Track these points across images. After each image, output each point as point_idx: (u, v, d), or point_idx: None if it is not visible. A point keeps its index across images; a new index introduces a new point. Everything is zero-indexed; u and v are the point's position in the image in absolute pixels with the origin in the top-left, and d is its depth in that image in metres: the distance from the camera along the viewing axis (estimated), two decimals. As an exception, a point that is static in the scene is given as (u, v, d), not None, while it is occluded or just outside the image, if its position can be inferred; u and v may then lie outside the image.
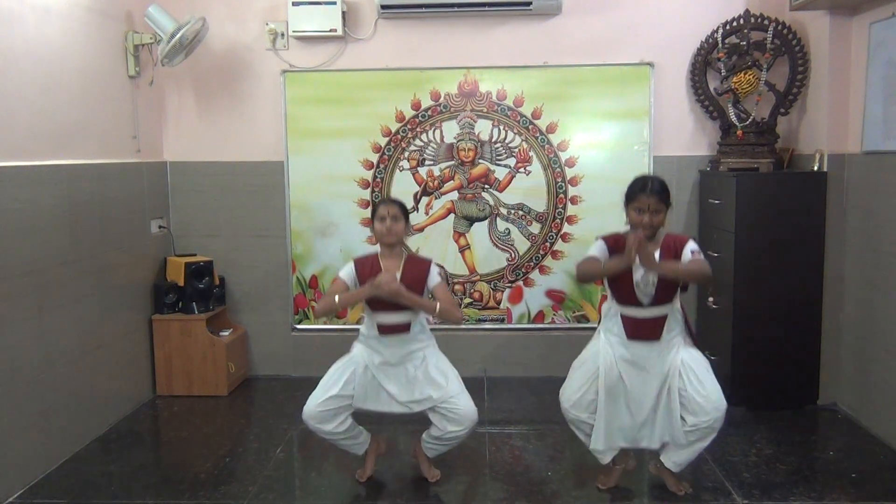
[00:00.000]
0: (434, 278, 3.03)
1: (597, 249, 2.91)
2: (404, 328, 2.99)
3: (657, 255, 2.81)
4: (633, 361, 2.90)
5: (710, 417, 2.82)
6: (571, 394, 2.98)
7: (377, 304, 2.95)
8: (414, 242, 4.45)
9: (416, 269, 3.02)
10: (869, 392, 3.67)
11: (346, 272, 3.03)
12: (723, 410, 2.84)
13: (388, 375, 3.01)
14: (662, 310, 2.86)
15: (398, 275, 2.96)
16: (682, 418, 2.88)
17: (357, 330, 3.16)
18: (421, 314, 3.05)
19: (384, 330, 2.99)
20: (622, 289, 2.87)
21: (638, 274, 2.82)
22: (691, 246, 2.84)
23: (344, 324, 4.54)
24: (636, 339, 2.89)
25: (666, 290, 2.83)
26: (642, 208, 2.78)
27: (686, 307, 4.42)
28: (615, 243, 2.88)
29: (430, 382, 2.99)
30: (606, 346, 2.95)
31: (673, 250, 2.84)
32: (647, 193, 2.77)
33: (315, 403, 2.94)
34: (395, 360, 3.01)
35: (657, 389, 2.90)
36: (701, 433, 2.87)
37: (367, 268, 3.01)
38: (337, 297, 2.92)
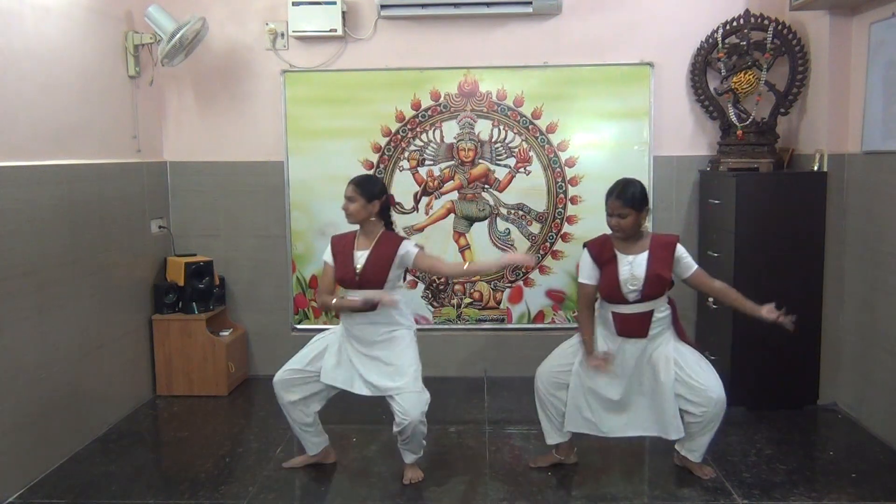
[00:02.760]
0: (408, 257, 3.08)
1: (585, 273, 3.06)
2: (371, 307, 3.04)
3: (646, 256, 2.94)
4: (619, 356, 3.03)
5: (708, 408, 2.95)
6: (549, 371, 3.16)
7: (349, 284, 3.10)
8: (414, 242, 4.46)
9: (385, 246, 3.09)
10: (869, 392, 3.67)
11: (327, 253, 3.18)
12: (721, 399, 2.97)
13: (361, 358, 3.11)
14: (649, 305, 2.96)
15: (367, 252, 3.07)
16: (686, 410, 3.00)
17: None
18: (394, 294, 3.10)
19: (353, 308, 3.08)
20: (609, 286, 2.98)
21: (624, 271, 2.93)
22: (687, 259, 2.99)
23: (344, 324, 4.53)
24: (625, 336, 3.01)
25: (652, 287, 2.93)
26: (611, 213, 2.95)
27: (684, 305, 4.43)
28: (600, 250, 3.02)
29: (389, 374, 3.07)
30: (600, 340, 3.09)
31: (663, 255, 2.96)
32: (613, 198, 2.94)
33: (283, 370, 3.16)
34: (367, 339, 3.09)
35: (640, 381, 3.05)
36: (703, 424, 3.00)
37: (341, 246, 3.15)
38: (334, 301, 3.08)
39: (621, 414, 3.08)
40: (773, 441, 3.52)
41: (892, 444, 3.44)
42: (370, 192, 3.08)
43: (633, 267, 2.93)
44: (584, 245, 3.09)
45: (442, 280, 4.47)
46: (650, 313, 2.97)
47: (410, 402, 3.01)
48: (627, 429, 3.10)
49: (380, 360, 3.09)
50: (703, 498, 2.98)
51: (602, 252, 3.01)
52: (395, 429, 3.07)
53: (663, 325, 3.03)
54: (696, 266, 3.01)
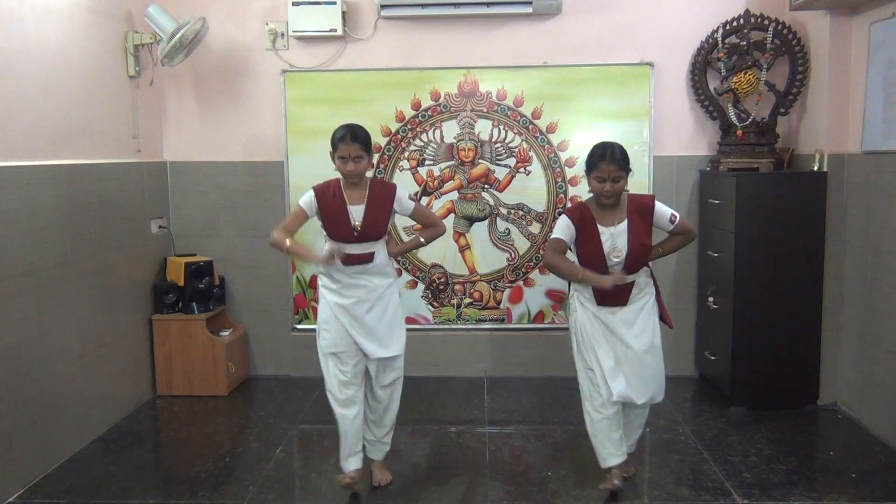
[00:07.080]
0: (406, 205, 3.02)
1: (561, 230, 2.89)
2: (368, 258, 2.94)
3: (625, 220, 2.84)
4: (604, 323, 2.93)
5: (654, 390, 2.95)
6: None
7: (347, 240, 2.90)
8: (414, 242, 4.46)
9: (382, 197, 2.97)
10: (869, 392, 3.67)
11: (306, 200, 2.95)
12: (660, 390, 2.97)
13: (356, 327, 2.95)
14: (631, 277, 2.87)
15: (363, 206, 2.92)
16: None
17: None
18: (382, 244, 3.00)
19: (349, 260, 2.90)
20: (592, 260, 2.86)
21: (607, 244, 2.83)
22: (665, 211, 2.88)
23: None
24: (605, 305, 2.91)
25: (635, 262, 2.85)
26: (603, 177, 2.78)
27: (683, 303, 4.43)
28: (581, 219, 2.88)
29: (386, 341, 2.99)
30: (581, 311, 2.97)
31: (640, 212, 2.86)
32: (606, 161, 2.77)
33: (336, 389, 2.99)
34: (358, 298, 2.94)
35: (624, 346, 2.91)
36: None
37: (328, 196, 2.94)
38: (288, 242, 2.87)
39: (620, 378, 2.92)
40: (773, 441, 3.52)
41: (892, 444, 3.44)
42: (370, 144, 2.95)
43: (614, 238, 2.82)
44: (562, 213, 2.95)
45: (442, 280, 4.47)
46: (632, 284, 2.89)
47: (400, 365, 3.07)
48: (629, 390, 2.91)
49: (374, 324, 2.96)
50: (703, 498, 2.98)
51: (583, 221, 2.87)
52: (373, 402, 3.07)
53: (645, 290, 2.94)
54: (670, 211, 2.88)
